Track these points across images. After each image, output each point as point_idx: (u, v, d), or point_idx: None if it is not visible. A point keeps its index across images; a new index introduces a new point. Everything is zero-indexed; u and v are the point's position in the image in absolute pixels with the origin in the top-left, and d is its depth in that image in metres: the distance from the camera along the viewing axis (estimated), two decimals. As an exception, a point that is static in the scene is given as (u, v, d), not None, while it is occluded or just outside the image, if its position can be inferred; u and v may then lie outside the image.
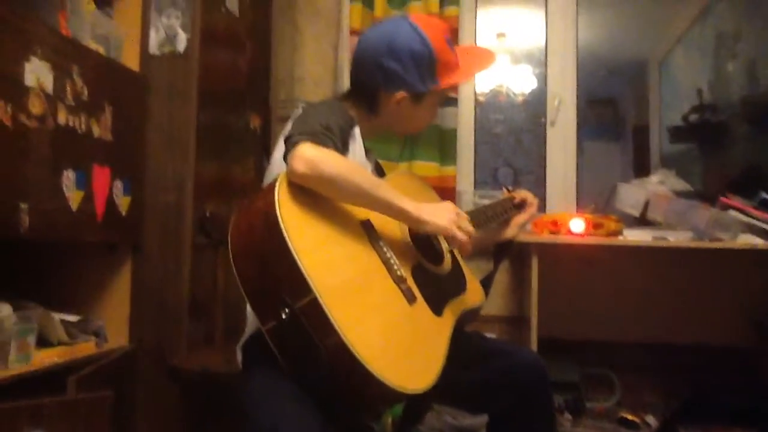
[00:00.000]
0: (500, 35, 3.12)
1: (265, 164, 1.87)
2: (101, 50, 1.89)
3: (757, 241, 2.06)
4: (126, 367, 1.94)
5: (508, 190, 1.82)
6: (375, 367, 1.09)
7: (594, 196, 2.65)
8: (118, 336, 1.97)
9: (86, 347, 1.82)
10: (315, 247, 1.15)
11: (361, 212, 1.30)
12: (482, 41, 2.94)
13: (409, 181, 1.63)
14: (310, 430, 1.12)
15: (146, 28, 2.05)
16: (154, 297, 2.02)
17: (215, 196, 2.20)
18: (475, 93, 2.90)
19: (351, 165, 1.26)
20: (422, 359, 1.23)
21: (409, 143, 2.59)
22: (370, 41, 1.49)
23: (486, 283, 1.64)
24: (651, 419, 2.38)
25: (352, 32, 2.61)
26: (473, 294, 1.54)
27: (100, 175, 1.82)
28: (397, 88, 1.46)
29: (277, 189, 1.16)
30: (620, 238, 2.18)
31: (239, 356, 1.40)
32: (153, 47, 2.05)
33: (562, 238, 2.17)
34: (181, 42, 2.05)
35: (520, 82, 3.11)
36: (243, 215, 1.20)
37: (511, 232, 1.75)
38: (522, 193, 1.78)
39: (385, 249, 1.30)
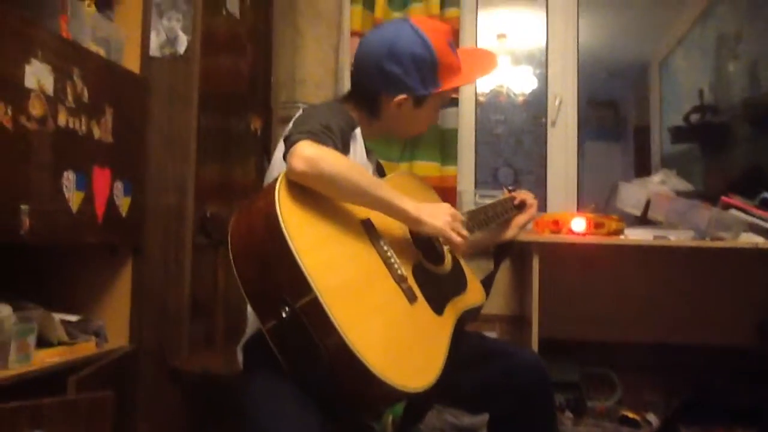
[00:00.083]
0: (501, 36, 3.12)
1: (266, 166, 1.87)
2: (102, 52, 1.90)
3: (759, 240, 2.06)
4: (127, 367, 1.94)
5: (509, 191, 1.82)
6: (376, 366, 1.09)
7: (595, 197, 2.65)
8: (118, 338, 1.97)
9: (86, 347, 1.82)
10: (315, 247, 1.15)
11: (362, 211, 1.30)
12: (483, 42, 2.94)
13: (409, 181, 1.63)
14: None
15: (147, 31, 2.06)
16: (155, 299, 2.02)
17: (216, 197, 2.20)
18: (476, 93, 2.90)
19: (350, 164, 1.26)
20: (423, 358, 1.23)
21: (409, 143, 2.59)
22: (371, 44, 1.49)
23: (487, 283, 1.64)
24: (652, 417, 2.38)
25: (353, 34, 2.62)
26: (474, 293, 1.54)
27: (101, 177, 1.82)
28: (399, 91, 1.46)
29: (277, 189, 1.16)
30: (621, 237, 2.18)
31: (240, 357, 1.40)
32: (153, 49, 2.06)
33: (563, 238, 2.17)
34: (182, 44, 2.06)
35: (521, 83, 3.12)
36: (243, 215, 1.20)
37: (511, 232, 1.75)
38: (522, 194, 1.78)
39: (385, 248, 1.30)
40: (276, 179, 1.19)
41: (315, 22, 2.81)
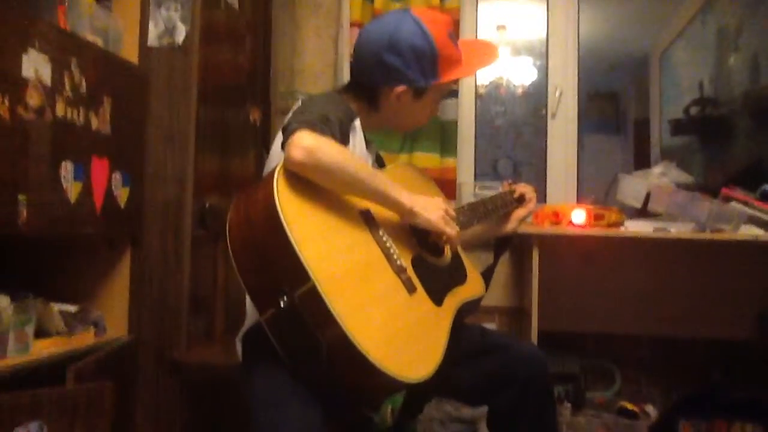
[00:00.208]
0: (501, 27, 3.11)
1: (265, 157, 1.87)
2: (100, 43, 1.89)
3: (759, 233, 2.06)
4: (125, 358, 1.94)
5: (508, 184, 1.82)
6: (374, 356, 1.08)
7: (595, 189, 2.65)
8: (117, 330, 1.96)
9: (85, 337, 1.81)
10: (314, 236, 1.15)
11: (361, 202, 1.29)
12: (483, 33, 2.93)
13: (408, 172, 1.62)
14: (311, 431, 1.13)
15: (145, 21, 2.05)
16: (154, 291, 2.02)
17: (215, 189, 2.19)
18: (476, 85, 2.89)
19: (348, 154, 1.26)
20: (422, 348, 1.23)
21: (409, 135, 2.58)
22: (371, 35, 1.48)
23: (486, 275, 1.63)
24: (650, 409, 2.39)
25: (353, 25, 2.61)
26: (474, 285, 1.54)
27: (99, 167, 1.82)
28: (398, 83, 1.45)
29: (275, 179, 1.16)
30: (621, 229, 2.18)
31: (239, 348, 1.40)
32: (152, 39, 2.05)
33: (563, 230, 2.16)
34: (180, 34, 2.05)
35: (521, 75, 3.11)
36: (242, 205, 1.20)
37: (511, 225, 1.75)
38: (522, 187, 1.78)
39: (384, 239, 1.29)
40: (274, 169, 1.18)
41: (314, 13, 2.80)
